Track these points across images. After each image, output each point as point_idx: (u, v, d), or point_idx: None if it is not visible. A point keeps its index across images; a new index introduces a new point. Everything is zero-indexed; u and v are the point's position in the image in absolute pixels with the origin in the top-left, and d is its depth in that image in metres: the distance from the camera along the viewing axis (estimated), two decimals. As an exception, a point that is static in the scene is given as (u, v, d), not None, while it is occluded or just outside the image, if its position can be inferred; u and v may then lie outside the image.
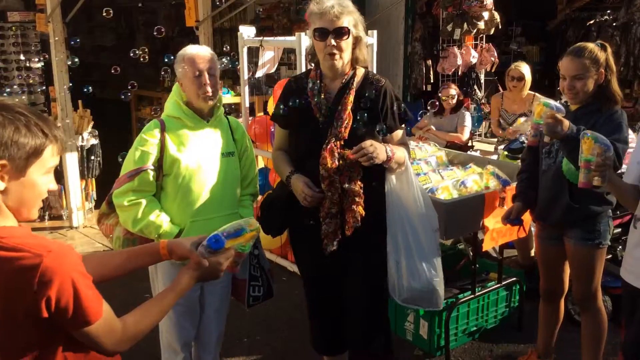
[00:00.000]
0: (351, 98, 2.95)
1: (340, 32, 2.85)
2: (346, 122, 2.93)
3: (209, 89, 2.92)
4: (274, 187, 4.10)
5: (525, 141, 5.13)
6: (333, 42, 2.85)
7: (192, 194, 2.92)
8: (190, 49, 2.99)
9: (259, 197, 3.39)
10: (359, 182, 2.92)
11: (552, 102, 3.01)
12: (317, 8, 2.88)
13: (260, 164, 5.38)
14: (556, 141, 3.08)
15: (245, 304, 3.20)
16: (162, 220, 2.87)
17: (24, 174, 1.56)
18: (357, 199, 2.91)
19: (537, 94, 5.96)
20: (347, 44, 2.90)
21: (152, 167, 2.87)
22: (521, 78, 5.91)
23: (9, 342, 1.56)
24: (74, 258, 1.56)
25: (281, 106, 3.01)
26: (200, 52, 2.97)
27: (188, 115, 2.96)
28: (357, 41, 2.95)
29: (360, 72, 3.06)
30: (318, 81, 3.01)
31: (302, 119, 3.01)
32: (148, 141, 2.89)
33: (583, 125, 2.99)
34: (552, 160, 3.29)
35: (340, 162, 2.89)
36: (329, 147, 2.90)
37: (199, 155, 2.94)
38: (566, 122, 2.93)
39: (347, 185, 2.90)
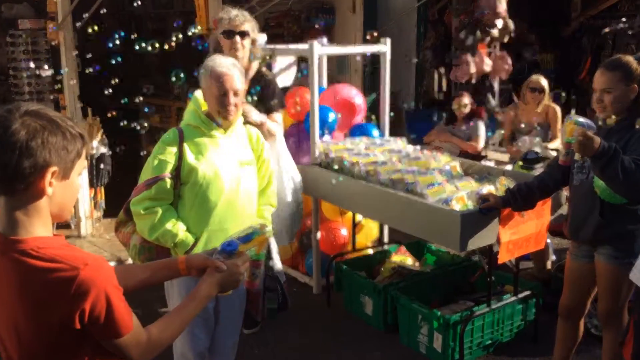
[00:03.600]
0: (245, 87, 3.55)
1: (243, 34, 3.91)
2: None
3: (232, 109, 2.94)
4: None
5: (539, 152, 5.07)
6: (238, 40, 3.87)
7: (209, 202, 2.90)
8: (219, 64, 2.97)
9: None
10: None
11: (582, 119, 2.96)
12: (226, 15, 3.92)
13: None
14: (587, 158, 3.00)
15: (260, 316, 3.16)
16: (178, 228, 2.86)
17: (67, 177, 1.61)
18: None
19: (552, 105, 5.87)
20: (247, 42, 3.94)
21: (170, 176, 2.86)
22: (542, 90, 5.81)
23: (39, 350, 1.59)
24: (108, 271, 1.59)
25: None
26: (229, 70, 2.95)
27: (206, 125, 2.96)
28: (253, 41, 3.99)
29: (255, 66, 4.07)
30: None
31: None
32: (166, 150, 2.89)
33: (615, 141, 2.94)
34: (585, 176, 3.20)
35: None
36: None
37: (217, 164, 2.93)
38: (597, 140, 2.86)
39: None
